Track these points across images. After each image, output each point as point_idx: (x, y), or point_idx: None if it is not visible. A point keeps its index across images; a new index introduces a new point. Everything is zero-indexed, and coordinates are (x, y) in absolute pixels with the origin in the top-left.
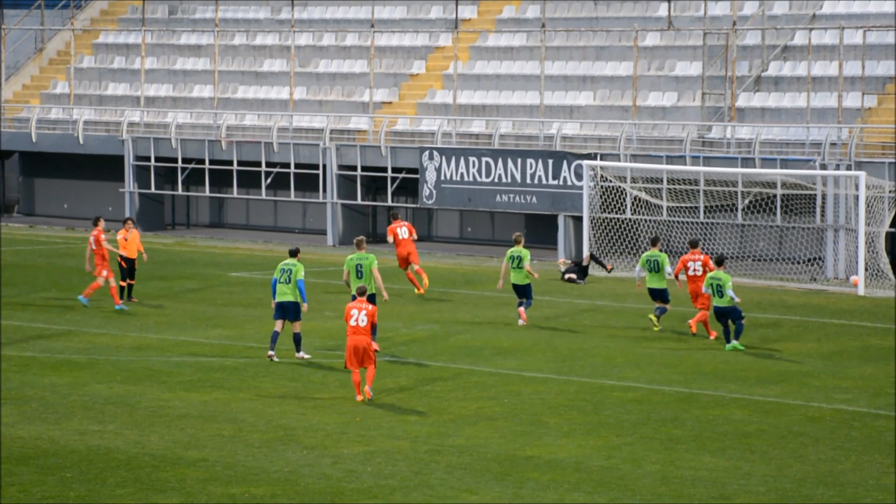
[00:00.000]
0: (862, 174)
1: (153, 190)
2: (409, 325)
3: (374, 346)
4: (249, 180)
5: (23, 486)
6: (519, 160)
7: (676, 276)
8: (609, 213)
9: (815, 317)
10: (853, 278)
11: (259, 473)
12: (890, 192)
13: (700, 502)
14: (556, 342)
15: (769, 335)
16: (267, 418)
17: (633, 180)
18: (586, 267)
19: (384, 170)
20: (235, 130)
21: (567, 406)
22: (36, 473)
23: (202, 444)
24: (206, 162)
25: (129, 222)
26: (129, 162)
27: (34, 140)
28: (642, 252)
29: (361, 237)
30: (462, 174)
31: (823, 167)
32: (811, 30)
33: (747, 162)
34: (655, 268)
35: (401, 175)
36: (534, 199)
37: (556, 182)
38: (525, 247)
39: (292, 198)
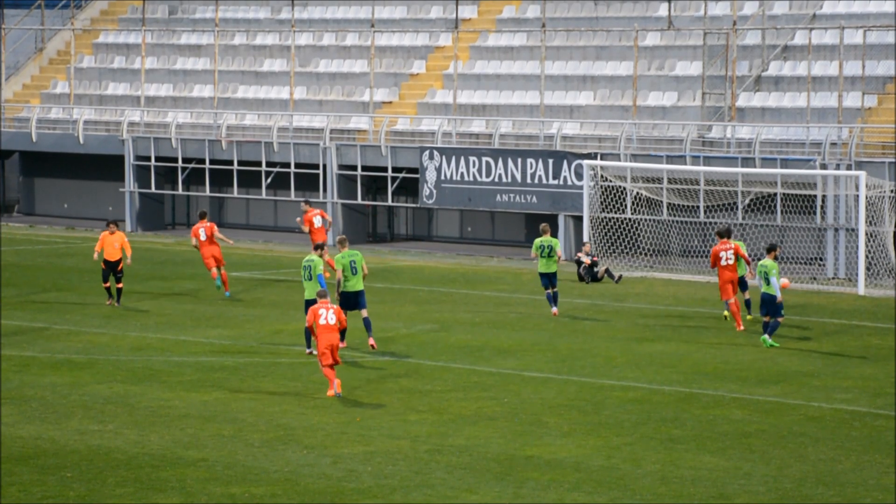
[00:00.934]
0: (862, 174)
1: (153, 190)
2: (409, 325)
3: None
4: (249, 180)
5: (23, 486)
6: (519, 160)
7: (715, 265)
8: (609, 212)
9: (815, 317)
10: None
11: (259, 473)
12: (891, 192)
13: (700, 502)
14: (556, 342)
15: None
16: (267, 418)
17: (634, 179)
18: (595, 273)
19: (384, 169)
20: (235, 130)
21: (567, 406)
22: (36, 473)
23: (202, 444)
24: (207, 162)
25: (113, 225)
26: (130, 162)
27: (34, 140)
28: (642, 252)
29: (343, 236)
30: (462, 174)
31: (823, 167)
32: (811, 30)
33: (747, 162)
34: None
35: (401, 175)
36: (534, 198)
37: (556, 182)
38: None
39: (292, 198)
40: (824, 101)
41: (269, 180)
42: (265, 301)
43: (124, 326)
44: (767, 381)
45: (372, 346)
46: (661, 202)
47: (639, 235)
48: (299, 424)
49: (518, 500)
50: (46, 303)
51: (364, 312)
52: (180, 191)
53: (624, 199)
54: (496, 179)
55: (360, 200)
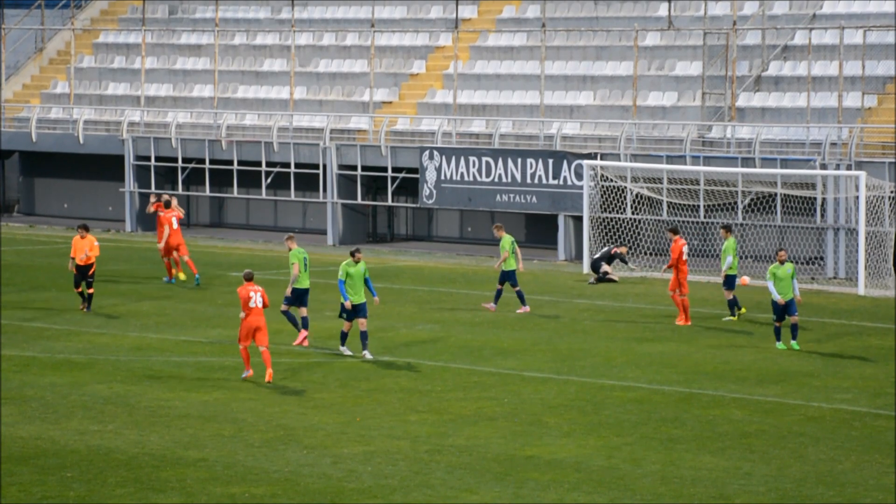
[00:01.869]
0: (862, 174)
1: (153, 190)
2: (409, 325)
3: (306, 342)
4: (249, 180)
5: (23, 486)
6: (519, 160)
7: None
8: (609, 212)
9: (815, 317)
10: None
11: (259, 473)
12: (891, 192)
13: (700, 502)
14: (556, 342)
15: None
16: (267, 418)
17: (634, 179)
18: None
19: (384, 170)
20: (235, 130)
21: (567, 406)
22: (36, 473)
23: (202, 444)
24: (207, 162)
25: (83, 229)
26: (130, 162)
27: (34, 140)
28: (643, 252)
29: (292, 234)
30: (462, 174)
31: (823, 167)
32: (811, 30)
33: (747, 162)
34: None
35: (401, 175)
36: (534, 198)
37: (556, 182)
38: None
39: (292, 197)
40: (824, 101)
41: (269, 180)
42: None
43: (124, 326)
44: (767, 381)
45: (305, 345)
46: (662, 202)
47: (639, 235)
48: (299, 424)
49: (518, 500)
50: (46, 303)
51: (303, 311)
52: (180, 191)
53: (624, 200)
54: (496, 179)
55: (359, 200)
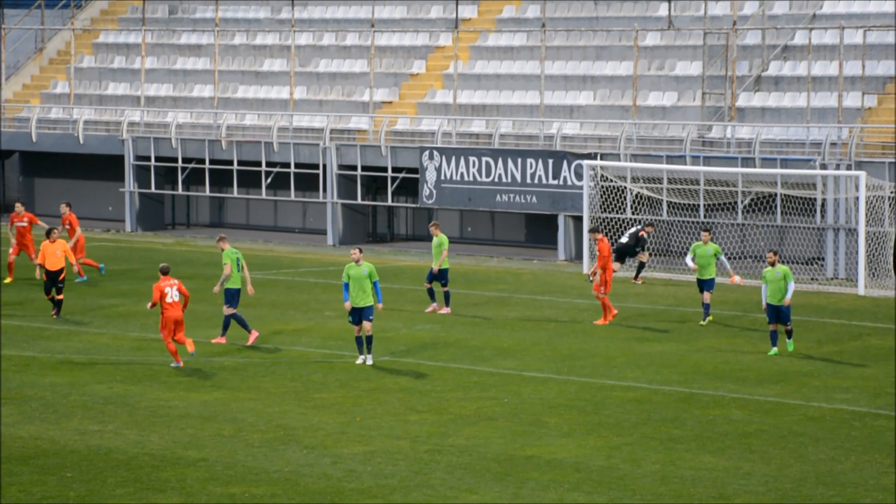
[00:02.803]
0: (862, 174)
1: (153, 190)
2: (409, 325)
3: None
4: (249, 180)
5: (23, 486)
6: (519, 160)
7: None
8: (609, 212)
9: (815, 317)
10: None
11: (259, 473)
12: (891, 192)
13: (700, 502)
14: (556, 342)
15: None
16: (267, 418)
17: (634, 179)
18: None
19: (384, 170)
20: (235, 130)
21: (567, 406)
22: (36, 473)
23: (202, 444)
24: (206, 162)
25: (54, 231)
26: (130, 162)
27: (34, 140)
28: (643, 252)
29: (224, 235)
30: (462, 174)
31: (823, 167)
32: (811, 30)
33: (747, 162)
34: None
35: (401, 175)
36: (534, 198)
37: (556, 182)
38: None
39: (292, 197)
40: (824, 101)
41: (269, 180)
42: (265, 301)
43: (124, 326)
44: (767, 381)
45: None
46: (662, 202)
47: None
48: (299, 424)
49: (518, 500)
50: (46, 303)
51: (229, 309)
52: (180, 191)
53: (624, 200)
54: (496, 179)
55: (359, 200)
